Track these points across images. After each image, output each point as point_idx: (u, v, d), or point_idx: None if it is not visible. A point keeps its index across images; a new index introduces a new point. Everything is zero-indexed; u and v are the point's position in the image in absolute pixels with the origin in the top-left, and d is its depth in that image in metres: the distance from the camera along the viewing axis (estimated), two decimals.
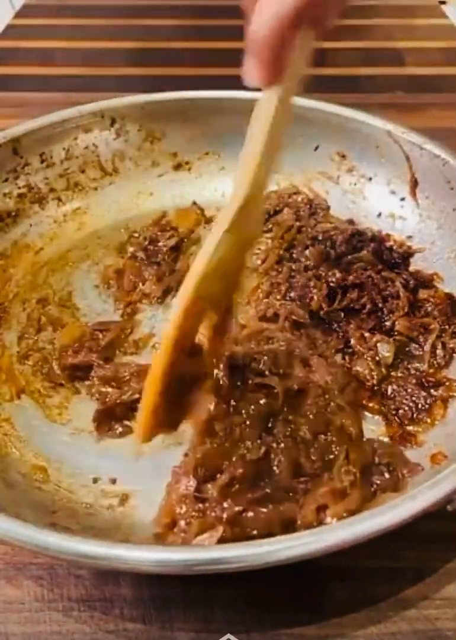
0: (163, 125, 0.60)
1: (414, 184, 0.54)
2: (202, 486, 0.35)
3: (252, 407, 0.37)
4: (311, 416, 0.38)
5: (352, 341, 0.45)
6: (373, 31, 0.92)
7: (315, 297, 0.46)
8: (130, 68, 0.84)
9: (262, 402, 0.38)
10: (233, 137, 0.60)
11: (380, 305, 0.46)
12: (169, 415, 0.36)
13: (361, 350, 0.44)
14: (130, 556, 0.30)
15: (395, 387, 0.43)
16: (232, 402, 0.39)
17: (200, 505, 0.34)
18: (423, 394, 0.42)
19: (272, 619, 0.34)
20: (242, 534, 0.33)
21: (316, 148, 0.58)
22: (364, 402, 0.42)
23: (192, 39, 0.90)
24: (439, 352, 0.44)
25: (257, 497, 0.34)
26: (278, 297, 0.49)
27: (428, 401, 0.42)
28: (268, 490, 0.35)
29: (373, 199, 0.56)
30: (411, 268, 0.50)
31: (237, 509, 0.34)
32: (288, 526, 0.34)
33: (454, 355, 0.44)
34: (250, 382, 0.39)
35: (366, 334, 0.45)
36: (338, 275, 0.47)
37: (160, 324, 0.49)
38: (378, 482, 0.37)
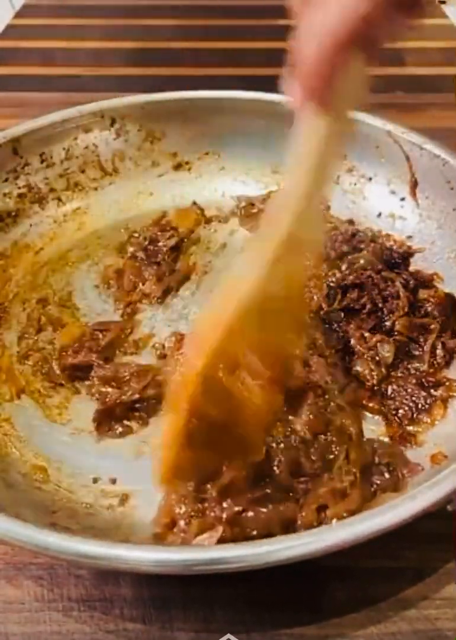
0: (163, 125, 0.60)
1: (414, 184, 0.54)
2: (201, 486, 0.35)
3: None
4: (311, 416, 0.38)
5: (352, 341, 0.45)
6: None
7: (315, 297, 0.46)
8: (130, 68, 0.84)
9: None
10: (233, 137, 0.61)
11: (380, 305, 0.46)
12: (195, 467, 0.33)
13: (361, 350, 0.44)
14: (130, 556, 0.30)
15: (395, 387, 0.43)
16: None
17: (200, 505, 0.34)
18: (423, 394, 0.42)
19: (272, 619, 0.34)
20: (241, 534, 0.33)
21: None
22: (364, 402, 0.42)
23: (192, 39, 0.90)
24: (439, 352, 0.44)
25: (257, 497, 0.34)
26: None
27: (428, 401, 0.42)
28: (268, 490, 0.35)
29: (373, 199, 0.56)
30: (411, 268, 0.50)
31: (236, 509, 0.34)
32: (288, 526, 0.34)
33: (454, 355, 0.44)
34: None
35: (366, 334, 0.45)
36: (338, 275, 0.47)
37: (160, 324, 0.49)
38: (378, 482, 0.37)
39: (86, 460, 0.40)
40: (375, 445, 0.39)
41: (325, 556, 0.30)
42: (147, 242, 0.55)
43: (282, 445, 0.36)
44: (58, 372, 0.45)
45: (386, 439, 0.41)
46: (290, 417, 0.38)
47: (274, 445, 0.36)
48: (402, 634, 0.33)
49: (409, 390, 0.42)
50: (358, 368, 0.43)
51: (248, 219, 0.58)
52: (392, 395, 0.43)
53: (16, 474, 0.39)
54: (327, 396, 0.39)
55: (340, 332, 0.45)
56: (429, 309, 0.46)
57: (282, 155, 0.63)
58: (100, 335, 0.47)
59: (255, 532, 0.33)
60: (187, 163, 0.61)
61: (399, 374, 0.44)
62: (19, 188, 0.56)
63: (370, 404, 0.42)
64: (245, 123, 0.60)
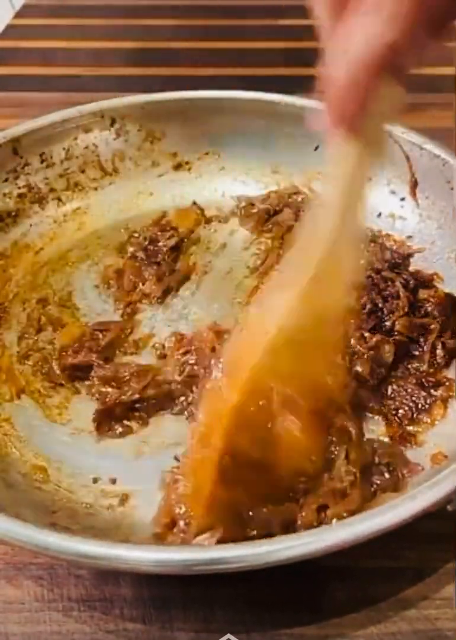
0: (163, 125, 0.60)
1: (414, 184, 0.54)
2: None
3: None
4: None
5: (352, 341, 0.45)
6: None
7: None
8: (130, 68, 0.84)
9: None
10: (233, 137, 0.61)
11: (380, 305, 0.46)
12: (229, 505, 0.32)
13: (361, 350, 0.44)
14: (130, 556, 0.30)
15: (395, 387, 0.43)
16: None
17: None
18: (423, 394, 0.42)
19: (272, 619, 0.34)
20: (241, 534, 0.33)
21: (316, 148, 0.58)
22: (364, 402, 0.42)
23: (192, 39, 0.90)
24: (439, 352, 0.44)
25: None
26: None
27: (428, 401, 0.42)
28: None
29: (373, 199, 0.56)
30: (411, 268, 0.50)
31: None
32: (288, 526, 0.34)
33: (454, 355, 0.44)
34: None
35: (366, 334, 0.45)
36: None
37: (160, 324, 0.49)
38: (378, 482, 0.37)
39: (86, 460, 0.40)
40: (375, 445, 0.39)
41: (325, 556, 0.30)
42: (147, 242, 0.55)
43: None
44: (58, 372, 0.45)
45: (386, 439, 0.41)
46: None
47: None
48: (402, 634, 0.33)
49: (409, 390, 0.42)
50: (358, 368, 0.43)
51: (248, 219, 0.58)
52: (392, 395, 0.43)
53: (16, 474, 0.39)
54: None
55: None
56: (429, 309, 0.46)
57: (282, 155, 0.63)
58: (100, 335, 0.47)
59: (255, 532, 0.33)
60: (187, 163, 0.61)
61: (399, 374, 0.44)
62: (19, 188, 0.56)
63: (370, 404, 0.42)
64: (245, 123, 0.60)
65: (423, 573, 0.35)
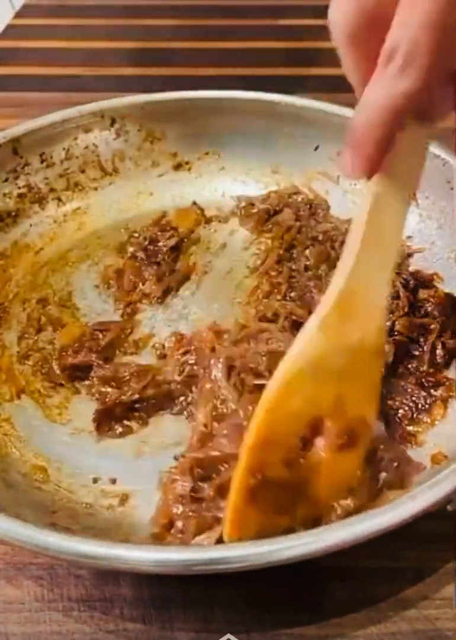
0: (163, 125, 0.60)
1: None
2: (198, 486, 0.35)
3: (250, 407, 0.37)
4: None
5: None
6: None
7: (315, 297, 0.46)
8: (130, 68, 0.84)
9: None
10: (233, 137, 0.61)
11: None
12: (261, 526, 0.32)
13: None
14: (130, 556, 0.30)
15: (395, 387, 0.43)
16: (231, 405, 0.39)
17: (197, 505, 0.34)
18: (423, 394, 0.42)
19: (272, 619, 0.34)
20: None
21: (316, 148, 0.58)
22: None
23: (192, 39, 0.90)
24: (439, 352, 0.44)
25: None
26: (278, 297, 0.49)
27: (428, 401, 0.42)
28: None
29: None
30: (411, 268, 0.50)
31: None
32: None
33: (454, 355, 0.44)
34: (249, 382, 0.40)
35: None
36: None
37: (160, 324, 0.49)
38: (385, 476, 0.37)
39: (86, 460, 0.40)
40: (379, 442, 0.39)
41: (325, 556, 0.30)
42: (147, 242, 0.55)
43: None
44: (58, 372, 0.45)
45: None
46: None
47: None
48: (402, 634, 0.33)
49: (409, 390, 0.42)
50: None
51: (248, 219, 0.58)
52: (392, 395, 0.43)
53: (16, 474, 0.39)
54: None
55: None
56: (429, 309, 0.46)
57: (282, 155, 0.63)
58: (100, 335, 0.47)
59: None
60: (187, 163, 0.61)
61: (399, 374, 0.44)
62: (19, 188, 0.56)
63: None
64: (245, 123, 0.60)
65: (423, 573, 0.35)
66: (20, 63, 0.85)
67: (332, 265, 0.48)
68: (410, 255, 0.51)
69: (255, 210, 0.58)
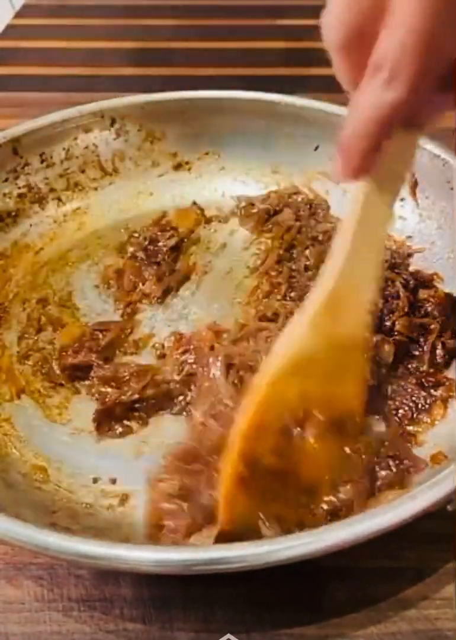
0: (163, 125, 0.60)
1: (414, 184, 0.54)
2: (186, 482, 0.35)
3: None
4: None
5: None
6: None
7: None
8: (130, 68, 0.84)
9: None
10: (233, 137, 0.61)
11: (380, 305, 0.46)
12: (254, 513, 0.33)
13: None
14: (130, 556, 0.30)
15: (395, 387, 0.43)
16: (229, 402, 0.39)
17: (187, 501, 0.34)
18: (423, 394, 0.42)
19: (272, 619, 0.34)
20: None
21: (316, 148, 0.58)
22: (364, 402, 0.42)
23: (192, 39, 0.90)
24: (439, 352, 0.44)
25: None
26: (278, 297, 0.49)
27: (428, 401, 0.42)
28: None
29: None
30: (411, 268, 0.50)
31: None
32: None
33: (454, 355, 0.44)
34: (247, 380, 0.39)
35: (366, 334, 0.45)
36: None
37: (160, 324, 0.49)
38: (384, 475, 0.37)
39: (86, 460, 0.40)
40: (379, 438, 0.39)
41: (325, 556, 0.30)
42: (147, 242, 0.55)
43: None
44: (58, 372, 0.45)
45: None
46: None
47: None
48: (402, 634, 0.33)
49: (409, 390, 0.42)
50: None
51: (248, 219, 0.58)
52: (392, 395, 0.43)
53: (16, 474, 0.39)
54: None
55: None
56: (429, 309, 0.46)
57: (282, 155, 0.63)
58: (100, 335, 0.47)
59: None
60: (187, 163, 0.61)
61: (399, 374, 0.44)
62: (19, 188, 0.56)
63: (370, 404, 0.42)
64: (245, 123, 0.60)
65: (423, 573, 0.35)
66: (20, 63, 0.85)
67: None
68: (410, 255, 0.51)
69: (255, 210, 0.58)
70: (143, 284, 0.52)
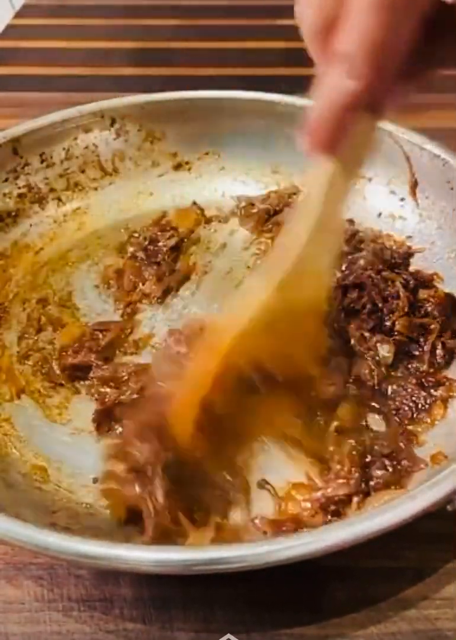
0: (163, 125, 0.60)
1: (414, 184, 0.54)
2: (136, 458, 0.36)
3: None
4: None
5: (352, 341, 0.45)
6: None
7: None
8: (130, 68, 0.84)
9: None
10: (233, 137, 0.61)
11: (380, 305, 0.46)
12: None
13: (361, 350, 0.44)
14: (130, 556, 0.30)
15: (395, 387, 0.43)
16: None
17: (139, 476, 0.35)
18: (423, 394, 0.42)
19: (272, 619, 0.34)
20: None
21: None
22: (364, 401, 0.42)
23: (192, 39, 0.90)
24: (439, 352, 0.44)
25: None
26: None
27: (428, 401, 0.42)
28: None
29: (373, 199, 0.56)
30: (411, 268, 0.50)
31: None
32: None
33: (454, 355, 0.44)
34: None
35: (367, 334, 0.45)
36: (338, 275, 0.47)
37: (160, 324, 0.49)
38: (380, 474, 0.37)
39: (86, 460, 0.40)
40: (374, 435, 0.39)
41: (325, 556, 0.30)
42: (147, 242, 0.55)
43: None
44: (58, 372, 0.45)
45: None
46: None
47: None
48: (402, 634, 0.33)
49: (409, 390, 0.42)
50: (358, 368, 0.43)
51: (248, 219, 0.58)
52: (392, 395, 0.43)
53: (16, 474, 0.39)
54: None
55: (341, 333, 0.45)
56: (429, 309, 0.46)
57: (282, 155, 0.63)
58: (100, 335, 0.47)
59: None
60: (187, 163, 0.61)
61: (399, 374, 0.44)
62: (19, 188, 0.56)
63: (370, 404, 0.42)
64: (245, 123, 0.60)
65: (423, 573, 0.35)
66: (20, 63, 0.85)
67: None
68: (410, 255, 0.51)
69: (255, 210, 0.58)
70: (143, 284, 0.52)
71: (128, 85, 0.76)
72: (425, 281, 0.48)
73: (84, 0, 1.01)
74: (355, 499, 0.36)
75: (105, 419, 0.42)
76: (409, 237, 0.53)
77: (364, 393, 0.42)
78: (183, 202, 0.59)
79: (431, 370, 0.44)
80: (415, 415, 0.42)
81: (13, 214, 0.55)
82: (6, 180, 0.55)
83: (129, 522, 0.35)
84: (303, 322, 0.37)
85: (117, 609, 0.34)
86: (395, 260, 0.49)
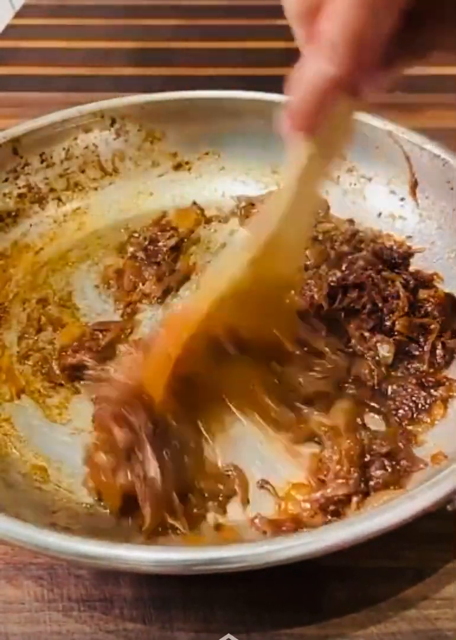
0: (163, 125, 0.60)
1: (414, 184, 0.54)
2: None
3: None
4: None
5: (352, 341, 0.45)
6: None
7: (316, 297, 0.46)
8: (130, 68, 0.84)
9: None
10: (233, 137, 0.61)
11: (380, 305, 0.46)
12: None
13: (361, 350, 0.44)
14: (130, 556, 0.30)
15: (395, 387, 0.43)
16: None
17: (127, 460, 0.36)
18: (423, 394, 0.42)
19: (272, 619, 0.34)
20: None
21: None
22: (364, 401, 0.42)
23: (192, 39, 0.90)
24: (439, 352, 0.44)
25: None
26: None
27: (428, 401, 0.42)
28: None
29: (373, 199, 0.56)
30: (411, 268, 0.50)
31: None
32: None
33: (454, 355, 0.44)
34: None
35: (367, 334, 0.45)
36: (338, 275, 0.47)
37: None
38: (379, 474, 0.37)
39: None
40: (372, 434, 0.39)
41: (325, 556, 0.30)
42: (147, 242, 0.55)
43: None
44: (58, 372, 0.45)
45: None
46: None
47: None
48: (402, 634, 0.33)
49: (409, 390, 0.42)
50: (358, 368, 0.43)
51: (248, 219, 0.58)
52: (392, 395, 0.43)
53: (16, 474, 0.39)
54: None
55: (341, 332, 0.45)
56: (429, 309, 0.46)
57: (282, 155, 0.63)
58: (100, 335, 0.47)
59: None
60: (187, 163, 0.61)
61: (399, 374, 0.44)
62: (19, 188, 0.56)
63: (370, 404, 0.42)
64: (245, 123, 0.60)
65: (423, 573, 0.35)
66: (20, 63, 0.85)
67: (332, 265, 0.48)
68: (410, 255, 0.51)
69: (255, 210, 0.58)
70: (143, 284, 0.52)
71: (129, 85, 0.76)
72: (425, 281, 0.48)
73: (84, 0, 1.01)
74: (355, 499, 0.36)
75: None
76: (409, 237, 0.53)
77: (364, 393, 0.43)
78: (183, 202, 0.59)
79: (431, 370, 0.44)
80: (415, 415, 0.42)
81: (13, 214, 0.55)
82: (6, 180, 0.55)
83: (126, 514, 0.36)
84: (275, 295, 0.39)
85: (117, 609, 0.34)
86: (395, 260, 0.49)
